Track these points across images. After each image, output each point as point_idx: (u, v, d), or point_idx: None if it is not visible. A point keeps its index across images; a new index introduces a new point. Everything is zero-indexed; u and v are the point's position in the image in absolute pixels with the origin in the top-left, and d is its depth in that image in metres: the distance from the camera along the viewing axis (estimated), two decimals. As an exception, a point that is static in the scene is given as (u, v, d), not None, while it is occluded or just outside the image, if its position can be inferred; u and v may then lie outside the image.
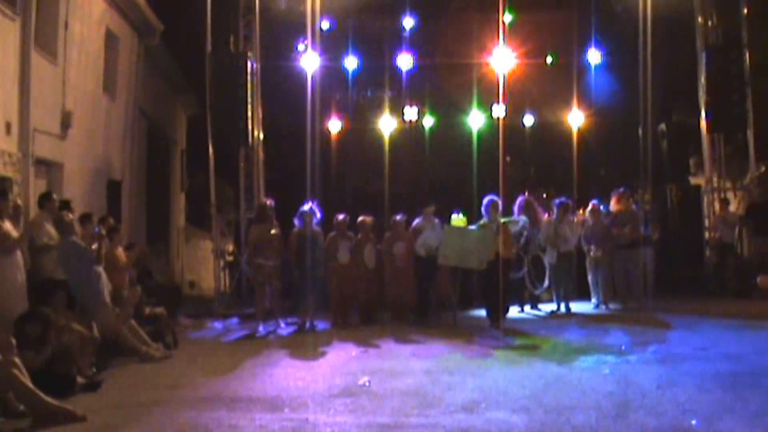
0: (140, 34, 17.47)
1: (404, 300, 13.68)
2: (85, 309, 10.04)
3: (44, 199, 10.79)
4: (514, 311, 13.55)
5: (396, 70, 19.18)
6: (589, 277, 14.68)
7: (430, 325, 12.81)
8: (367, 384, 8.28)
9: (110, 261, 10.91)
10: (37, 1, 11.85)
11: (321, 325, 13.25)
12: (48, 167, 12.81)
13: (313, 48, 16.15)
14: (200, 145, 16.91)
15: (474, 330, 11.91)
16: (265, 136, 16.56)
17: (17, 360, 7.13)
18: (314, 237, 13.11)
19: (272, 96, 16.81)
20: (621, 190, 14.86)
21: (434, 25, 19.79)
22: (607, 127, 19.04)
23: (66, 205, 11.13)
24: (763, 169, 16.80)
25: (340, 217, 13.64)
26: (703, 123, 16.58)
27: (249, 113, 15.30)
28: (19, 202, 10.54)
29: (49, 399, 7.01)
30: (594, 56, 18.70)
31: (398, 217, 13.88)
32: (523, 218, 13.43)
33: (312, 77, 15.76)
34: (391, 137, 18.93)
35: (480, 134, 18.48)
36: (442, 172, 19.35)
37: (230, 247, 16.69)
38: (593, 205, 14.71)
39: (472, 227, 12.76)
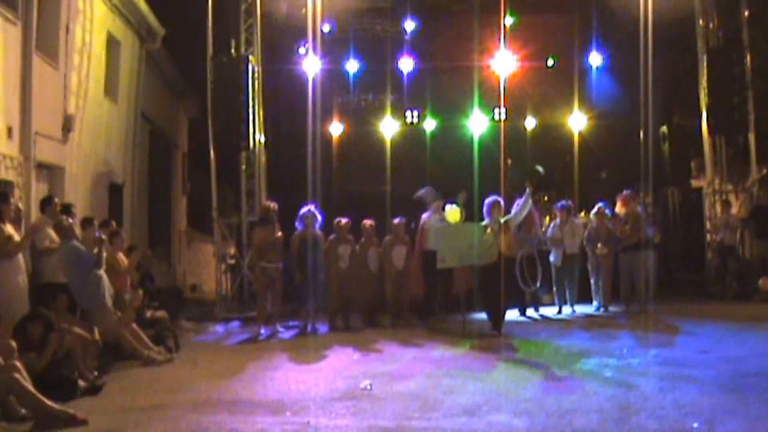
0: (142, 38, 17.50)
1: (405, 303, 13.68)
2: (87, 313, 10.05)
3: (45, 203, 10.80)
4: (514, 314, 13.48)
5: (397, 73, 19.22)
6: (591, 280, 14.65)
7: (436, 329, 12.79)
8: (369, 387, 8.27)
9: (111, 265, 10.91)
10: (38, 5, 11.87)
11: (322, 328, 13.25)
12: (49, 171, 12.82)
13: (314, 51, 16.18)
14: (202, 148, 16.94)
15: (476, 333, 11.89)
16: (266, 140, 16.58)
17: (18, 363, 7.15)
18: (316, 240, 13.11)
19: (274, 99, 16.83)
20: (626, 192, 14.82)
21: (435, 28, 19.82)
22: (608, 130, 19.04)
23: (68, 208, 11.15)
24: (765, 171, 16.79)
25: (343, 221, 13.64)
26: (704, 126, 16.56)
27: (250, 117, 15.30)
28: (21, 206, 10.55)
29: (50, 402, 7.02)
30: (595, 59, 18.76)
31: (397, 221, 13.87)
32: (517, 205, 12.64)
33: (313, 80, 15.79)
34: (393, 140, 18.96)
35: (481, 137, 18.49)
36: (443, 174, 19.36)
37: (232, 251, 16.67)
38: (599, 207, 14.65)
39: (468, 224, 12.74)
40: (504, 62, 16.87)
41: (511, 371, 9.18)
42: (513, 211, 12.16)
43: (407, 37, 19.57)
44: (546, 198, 17.45)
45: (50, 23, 12.63)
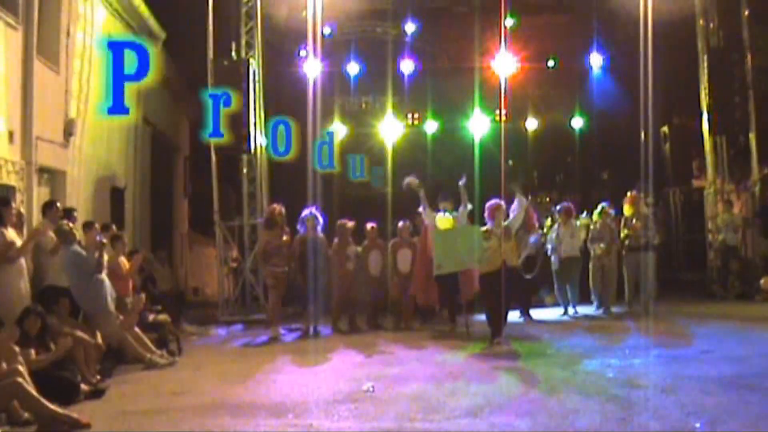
0: (142, 41, 17.50)
1: (408, 306, 13.68)
2: (89, 317, 10.07)
3: (47, 208, 10.81)
4: (515, 315, 13.43)
5: (398, 75, 19.22)
6: (592, 280, 14.55)
7: (439, 331, 12.78)
8: (371, 389, 8.27)
9: (113, 269, 10.92)
10: (39, 9, 11.88)
11: (325, 330, 13.26)
12: (51, 175, 12.83)
13: (315, 54, 16.19)
14: (203, 151, 16.92)
15: (478, 335, 11.87)
16: (267, 142, 16.58)
17: (21, 368, 7.16)
18: (318, 243, 13.10)
19: (274, 102, 16.83)
20: (633, 192, 14.68)
21: (436, 29, 19.84)
22: (609, 131, 19.06)
23: (70, 213, 11.16)
24: (766, 170, 16.78)
25: (350, 224, 13.64)
26: (705, 125, 16.57)
27: (251, 119, 15.32)
28: (23, 210, 10.56)
29: (53, 406, 7.02)
30: (595, 60, 18.76)
31: (402, 223, 13.81)
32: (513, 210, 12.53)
33: (314, 83, 15.80)
34: (394, 142, 18.96)
35: (482, 138, 18.49)
36: (444, 176, 19.35)
37: (234, 254, 16.69)
38: (603, 207, 14.58)
39: (467, 227, 12.42)
40: (504, 63, 16.89)
41: (513, 372, 9.17)
42: (511, 216, 11.86)
43: (408, 39, 19.60)
44: (548, 199, 17.46)
45: (51, 27, 12.64)
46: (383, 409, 7.42)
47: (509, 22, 17.95)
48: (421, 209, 13.28)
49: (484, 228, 11.66)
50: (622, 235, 14.35)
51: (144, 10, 16.53)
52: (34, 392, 7.03)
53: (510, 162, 17.56)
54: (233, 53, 15.97)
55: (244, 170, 16.12)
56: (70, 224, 10.51)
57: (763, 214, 15.94)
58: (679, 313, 13.64)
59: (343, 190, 19.37)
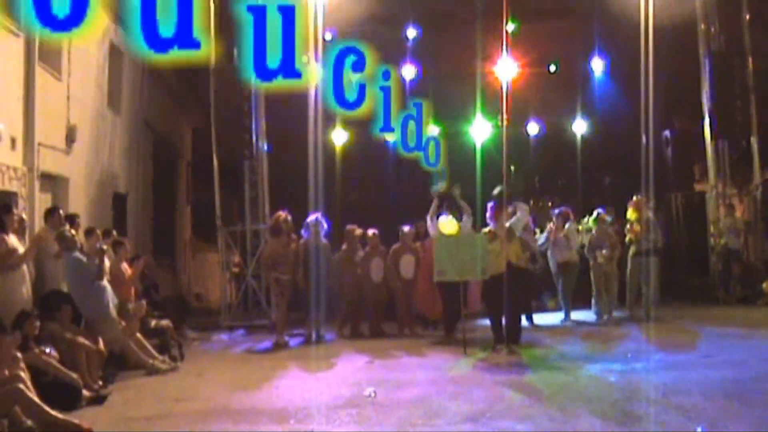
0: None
1: (412, 312, 13.67)
2: (91, 323, 10.07)
3: (49, 214, 10.82)
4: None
5: (399, 81, 19.19)
6: (595, 288, 14.45)
7: (442, 338, 12.77)
8: (373, 395, 8.28)
9: (115, 275, 10.93)
10: (41, 16, 11.90)
11: (328, 336, 13.27)
12: (53, 181, 12.86)
13: (316, 59, 16.18)
14: (205, 157, 16.94)
15: (479, 340, 11.86)
16: (269, 148, 16.59)
17: (23, 374, 7.18)
18: (321, 249, 13.09)
19: (276, 108, 16.84)
20: (638, 197, 14.46)
21: (437, 35, 19.84)
22: (610, 135, 19.04)
23: (73, 219, 11.18)
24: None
25: (358, 231, 13.63)
26: (707, 130, 16.57)
27: (253, 125, 15.34)
28: (25, 216, 10.58)
29: (55, 413, 7.05)
30: (597, 64, 18.77)
31: (406, 229, 13.76)
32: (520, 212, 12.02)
33: (316, 88, 15.79)
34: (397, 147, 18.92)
35: (484, 143, 18.47)
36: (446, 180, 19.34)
37: (236, 259, 16.69)
38: (598, 213, 14.55)
39: (470, 234, 12.24)
40: (506, 68, 16.87)
41: (514, 377, 9.18)
42: (511, 220, 11.69)
43: (409, 45, 19.59)
44: (550, 203, 17.46)
45: (53, 34, 12.64)
46: (385, 414, 7.43)
47: (511, 27, 17.92)
48: (428, 219, 13.03)
49: (486, 229, 11.62)
50: (627, 239, 14.29)
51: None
52: (35, 398, 7.05)
53: (512, 168, 17.50)
54: (235, 59, 15.97)
55: (246, 176, 16.10)
56: (72, 231, 10.53)
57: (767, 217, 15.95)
58: (681, 317, 13.64)
59: (345, 195, 19.35)
